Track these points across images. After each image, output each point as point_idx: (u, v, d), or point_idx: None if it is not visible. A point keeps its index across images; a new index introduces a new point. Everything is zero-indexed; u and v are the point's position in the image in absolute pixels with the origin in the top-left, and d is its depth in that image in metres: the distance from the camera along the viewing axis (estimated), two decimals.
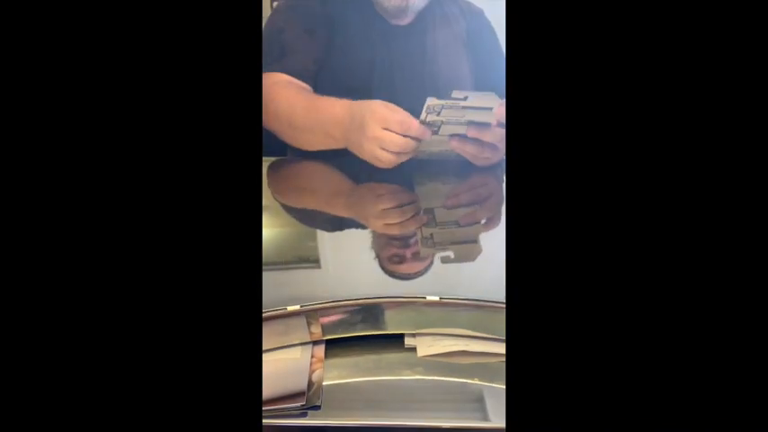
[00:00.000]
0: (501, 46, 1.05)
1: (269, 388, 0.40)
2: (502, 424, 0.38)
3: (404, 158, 0.70)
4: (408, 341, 0.46)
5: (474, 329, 0.46)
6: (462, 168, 0.78)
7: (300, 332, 0.45)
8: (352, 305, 0.46)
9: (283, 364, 0.44)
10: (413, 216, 0.64)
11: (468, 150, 0.72)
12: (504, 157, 0.78)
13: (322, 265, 0.57)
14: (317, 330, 0.46)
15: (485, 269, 0.54)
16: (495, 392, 0.41)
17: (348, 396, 0.42)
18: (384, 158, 0.69)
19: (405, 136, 0.67)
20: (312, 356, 0.44)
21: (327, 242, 0.63)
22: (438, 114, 0.66)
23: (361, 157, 0.71)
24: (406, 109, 0.69)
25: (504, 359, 0.43)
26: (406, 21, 0.95)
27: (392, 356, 0.45)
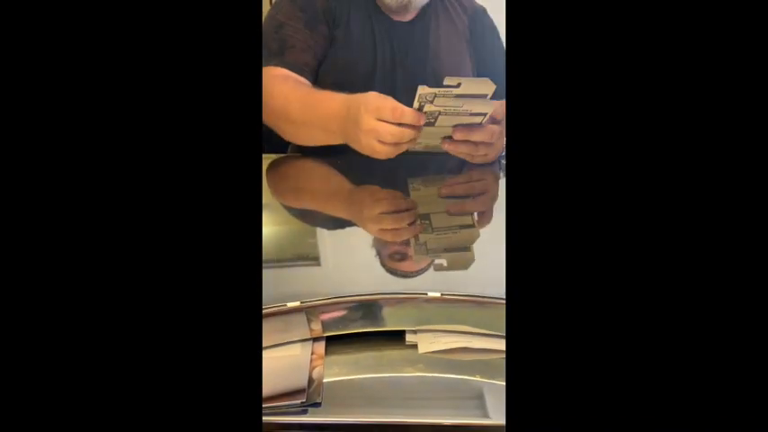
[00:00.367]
0: (503, 43, 1.04)
1: (269, 385, 0.40)
2: (502, 421, 0.38)
3: (402, 149, 0.69)
4: (410, 338, 0.46)
5: (476, 326, 0.46)
6: (462, 166, 0.78)
7: (301, 329, 0.45)
8: (352, 302, 0.46)
9: (284, 361, 0.43)
10: (409, 224, 0.63)
11: (461, 151, 0.72)
12: (504, 154, 0.77)
13: (322, 263, 0.57)
14: (317, 327, 0.45)
15: (486, 265, 0.54)
16: (497, 389, 0.41)
17: (349, 393, 0.42)
18: (381, 150, 0.68)
19: (399, 125, 0.66)
20: (312, 353, 0.44)
21: (327, 240, 0.63)
22: (431, 103, 0.64)
23: (359, 151, 0.71)
24: (407, 106, 0.68)
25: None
26: (408, 17, 0.95)
27: (393, 353, 0.45)
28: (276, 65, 0.86)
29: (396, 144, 0.68)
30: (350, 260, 0.58)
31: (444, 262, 0.54)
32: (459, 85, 0.61)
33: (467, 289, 0.47)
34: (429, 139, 0.72)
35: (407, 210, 0.66)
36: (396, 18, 0.94)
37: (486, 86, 0.62)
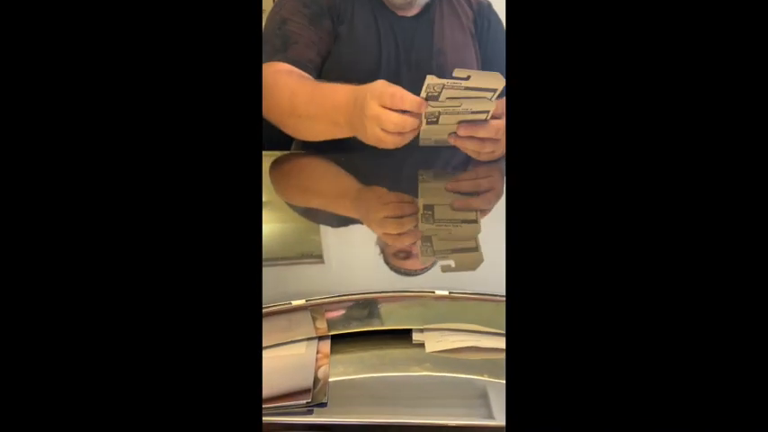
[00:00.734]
0: None
1: (273, 384, 0.39)
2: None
3: (407, 139, 0.68)
4: (416, 337, 0.45)
5: (484, 325, 0.45)
6: (468, 163, 0.78)
7: (305, 327, 0.45)
8: (357, 300, 0.45)
9: (288, 360, 0.43)
10: (411, 230, 0.62)
11: (468, 147, 0.72)
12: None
13: (325, 261, 0.56)
14: (322, 326, 0.45)
15: (495, 263, 0.53)
16: (503, 389, 0.40)
17: (354, 393, 0.41)
18: (386, 139, 0.68)
19: (403, 113, 0.66)
20: (318, 352, 0.43)
21: (331, 238, 0.63)
22: (439, 94, 0.63)
23: (365, 141, 0.70)
24: None
25: None
26: (412, 12, 0.95)
27: (399, 352, 0.44)
28: (280, 60, 0.85)
29: (399, 134, 0.67)
30: (354, 258, 0.58)
31: (452, 263, 0.53)
32: (468, 78, 0.60)
33: (474, 287, 0.46)
34: (438, 135, 0.71)
35: (412, 215, 0.66)
36: (400, 13, 0.93)
37: (497, 80, 0.61)
